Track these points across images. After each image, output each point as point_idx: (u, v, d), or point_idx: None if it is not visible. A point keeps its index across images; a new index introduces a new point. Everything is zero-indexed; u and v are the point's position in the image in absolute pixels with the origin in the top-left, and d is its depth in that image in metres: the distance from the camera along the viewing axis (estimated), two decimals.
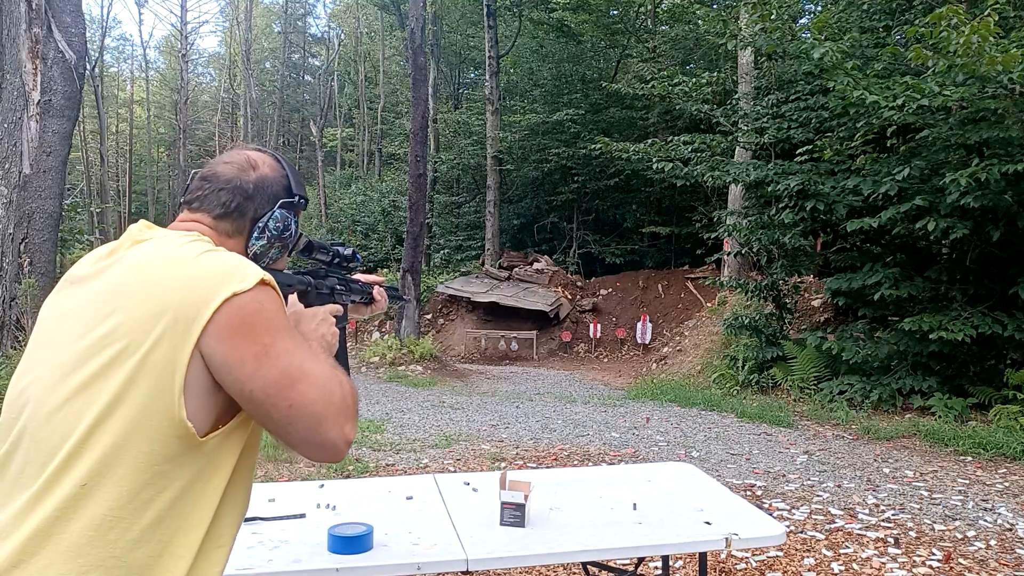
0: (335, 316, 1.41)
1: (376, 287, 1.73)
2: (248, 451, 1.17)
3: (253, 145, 1.37)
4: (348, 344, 1.53)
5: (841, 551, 3.87)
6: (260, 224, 1.27)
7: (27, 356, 1.16)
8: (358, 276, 1.69)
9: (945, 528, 4.29)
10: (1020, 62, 6.35)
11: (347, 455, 1.11)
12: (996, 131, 6.99)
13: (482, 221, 19.35)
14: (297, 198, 1.31)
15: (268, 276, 1.11)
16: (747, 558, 3.71)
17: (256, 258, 1.27)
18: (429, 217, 19.02)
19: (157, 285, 1.07)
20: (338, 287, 1.55)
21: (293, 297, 1.39)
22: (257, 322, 1.08)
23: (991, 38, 6.41)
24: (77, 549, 1.00)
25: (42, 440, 1.05)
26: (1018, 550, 3.96)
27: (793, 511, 4.57)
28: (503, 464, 5.70)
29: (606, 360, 14.61)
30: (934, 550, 3.90)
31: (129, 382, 1.04)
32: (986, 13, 6.56)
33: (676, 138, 11.13)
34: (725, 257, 12.12)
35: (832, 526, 4.28)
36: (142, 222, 1.21)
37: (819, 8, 11.38)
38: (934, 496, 4.96)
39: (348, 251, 1.57)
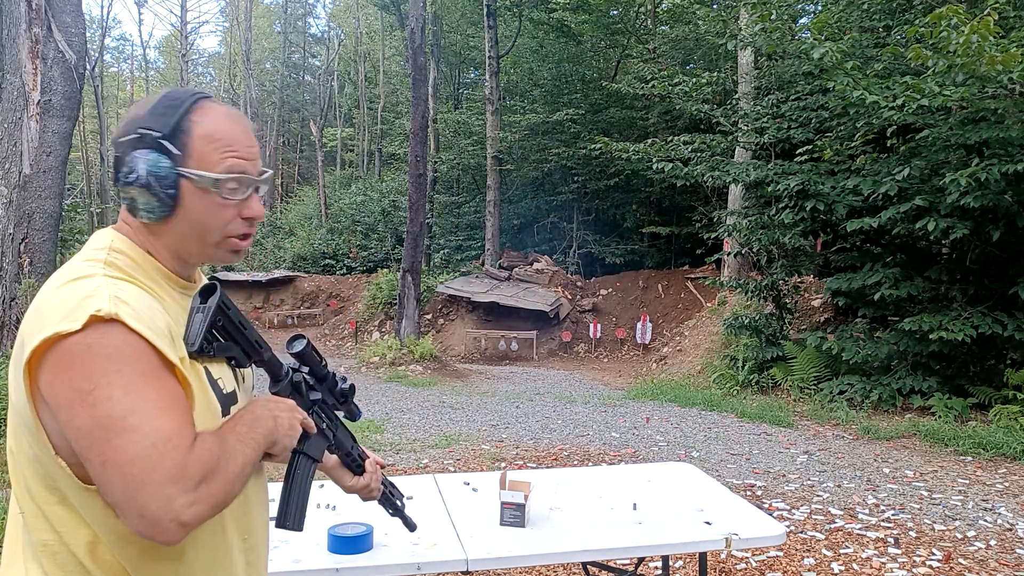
0: (306, 433, 1.17)
1: (371, 460, 1.41)
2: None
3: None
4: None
5: (841, 551, 3.87)
6: (120, 180, 1.07)
7: None
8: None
9: (945, 528, 4.29)
10: (1020, 62, 6.35)
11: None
12: (996, 131, 6.99)
13: (482, 221, 19.35)
14: (139, 132, 1.05)
15: (113, 312, 0.94)
16: (747, 558, 3.71)
17: (132, 212, 1.08)
18: (429, 217, 19.02)
19: (30, 310, 1.02)
20: (320, 411, 1.25)
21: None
22: (77, 365, 0.93)
23: (991, 38, 6.41)
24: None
25: None
26: (1018, 550, 3.96)
27: (793, 511, 4.57)
28: (503, 464, 5.70)
29: (606, 360, 14.61)
30: (934, 550, 3.90)
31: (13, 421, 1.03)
32: (986, 13, 6.56)
33: (676, 138, 11.14)
34: (725, 257, 12.12)
35: (832, 526, 4.28)
36: (108, 229, 1.14)
37: (819, 8, 11.38)
38: (934, 496, 4.96)
39: (346, 385, 1.29)
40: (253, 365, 1.15)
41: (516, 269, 17.20)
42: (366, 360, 12.38)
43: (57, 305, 0.96)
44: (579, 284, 17.23)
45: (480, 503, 2.34)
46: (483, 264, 18.01)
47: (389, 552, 1.95)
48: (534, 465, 5.72)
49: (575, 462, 5.90)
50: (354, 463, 1.36)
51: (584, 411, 8.44)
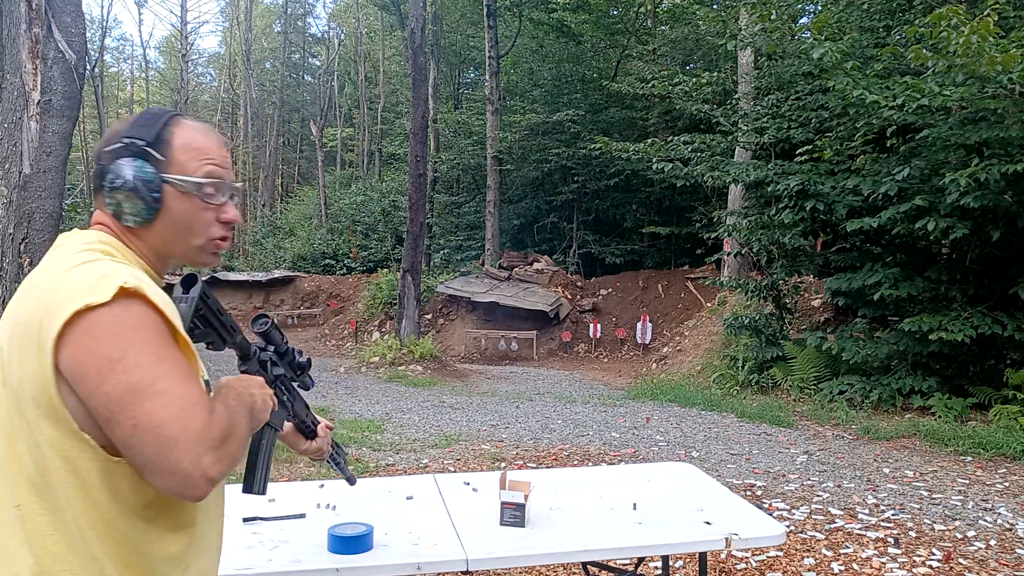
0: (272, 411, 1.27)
1: (323, 426, 1.60)
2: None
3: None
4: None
5: (841, 551, 3.87)
6: (105, 187, 1.15)
7: None
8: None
9: (945, 528, 4.29)
10: (1020, 62, 6.35)
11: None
12: (996, 131, 6.99)
13: (482, 221, 19.34)
14: (124, 141, 1.15)
15: (137, 287, 1.02)
16: (747, 558, 3.71)
17: (117, 218, 1.16)
18: (429, 217, 19.01)
19: (30, 300, 1.06)
20: (280, 386, 1.38)
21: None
22: (105, 335, 0.99)
23: (991, 38, 6.41)
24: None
25: None
26: (1018, 550, 3.96)
27: (793, 511, 4.57)
28: (503, 464, 5.70)
29: (606, 360, 14.61)
30: (934, 550, 3.90)
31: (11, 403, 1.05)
32: (986, 13, 6.56)
33: (676, 138, 11.13)
34: (725, 257, 12.12)
35: (832, 526, 4.28)
36: (75, 230, 1.19)
37: (819, 8, 11.38)
38: (934, 496, 4.96)
39: (303, 359, 1.43)
40: (227, 347, 1.25)
41: (516, 269, 17.19)
42: (366, 360, 12.38)
43: (75, 283, 1.02)
44: (579, 284, 17.23)
45: (480, 503, 2.34)
46: (483, 264, 18.01)
47: (389, 552, 1.95)
48: (534, 465, 5.72)
49: (575, 462, 5.90)
50: (308, 429, 1.55)
51: (584, 411, 8.44)
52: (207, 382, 1.21)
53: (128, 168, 1.14)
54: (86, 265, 1.05)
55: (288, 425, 1.50)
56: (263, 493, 1.34)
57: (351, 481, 1.87)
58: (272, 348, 1.35)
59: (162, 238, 1.18)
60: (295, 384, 1.45)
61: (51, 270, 1.07)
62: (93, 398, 0.99)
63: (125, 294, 1.01)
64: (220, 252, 1.26)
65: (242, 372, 1.28)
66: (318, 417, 1.60)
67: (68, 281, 1.03)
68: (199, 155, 1.19)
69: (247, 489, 1.33)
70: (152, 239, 1.18)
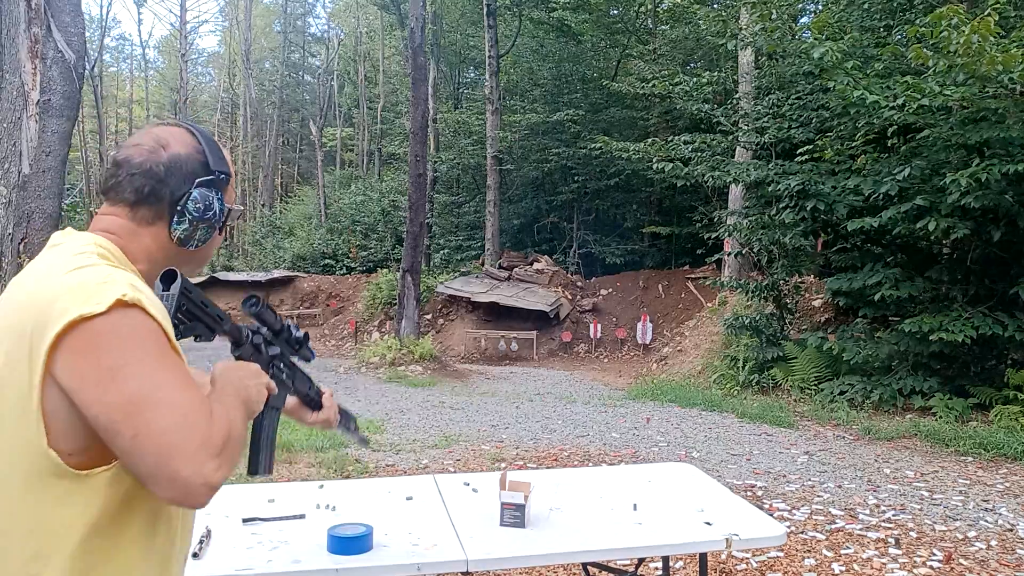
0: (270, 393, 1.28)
1: (328, 394, 1.62)
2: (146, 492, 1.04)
3: (166, 120, 1.31)
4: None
5: (842, 551, 3.86)
6: (179, 207, 1.18)
7: None
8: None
9: (946, 528, 4.28)
10: (1020, 62, 6.34)
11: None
12: (997, 131, 6.98)
13: (482, 221, 19.34)
14: (216, 174, 1.22)
15: (136, 297, 1.01)
16: (747, 559, 3.70)
17: (183, 242, 1.20)
18: (429, 217, 19.00)
19: (22, 302, 1.04)
20: (280, 365, 1.40)
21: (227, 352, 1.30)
22: (105, 345, 0.98)
23: (991, 38, 6.41)
24: None
25: None
26: (1019, 550, 3.95)
27: (794, 511, 4.56)
28: (503, 465, 5.70)
29: (606, 360, 14.60)
30: (935, 550, 3.90)
31: None
32: (986, 13, 6.56)
33: (676, 138, 11.13)
34: (725, 257, 12.11)
35: (833, 526, 4.27)
36: (68, 229, 1.18)
37: (819, 8, 11.38)
38: (935, 496, 4.96)
39: (299, 333, 1.44)
40: (218, 336, 1.26)
41: (516, 269, 17.19)
42: (366, 360, 12.37)
43: (72, 289, 1.01)
44: (579, 284, 17.22)
45: (480, 503, 2.33)
46: (483, 264, 18.00)
47: (389, 552, 1.95)
48: (534, 465, 5.71)
49: (575, 462, 5.90)
50: (312, 401, 1.57)
51: (584, 411, 8.43)
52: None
53: (215, 200, 1.22)
54: (83, 270, 1.04)
55: (292, 400, 1.51)
56: (269, 473, 1.34)
57: (364, 442, 1.94)
58: (266, 328, 1.35)
59: (183, 256, 1.22)
60: (295, 359, 1.46)
61: (46, 272, 1.06)
62: (93, 408, 0.98)
63: (123, 304, 1.00)
64: None
65: (236, 358, 1.28)
66: (321, 387, 1.60)
67: (65, 287, 1.01)
68: (232, 184, 1.28)
69: (252, 471, 1.33)
70: (171, 254, 1.21)
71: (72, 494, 1.02)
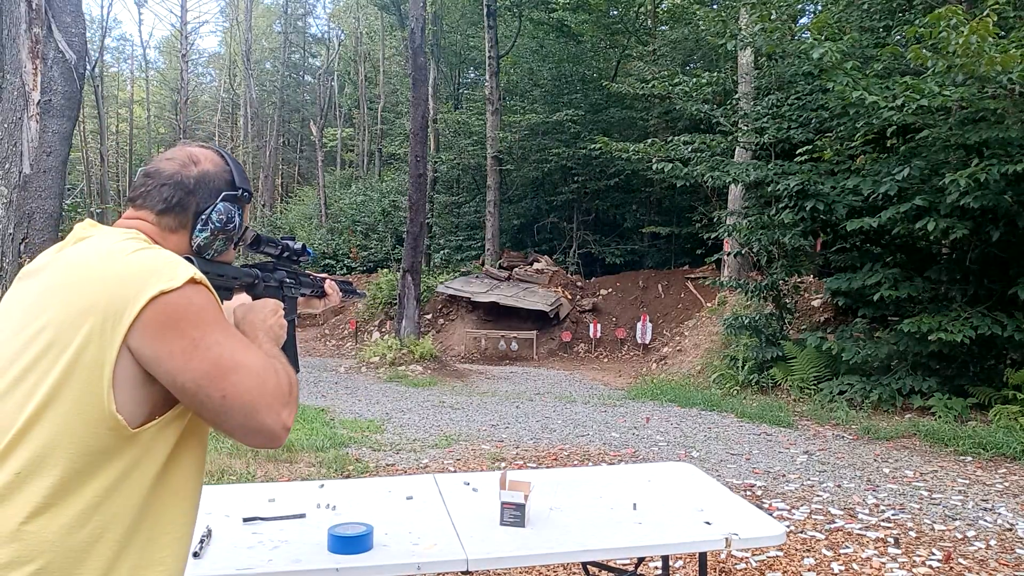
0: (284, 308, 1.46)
1: (328, 281, 1.80)
2: (190, 440, 1.20)
3: (198, 142, 1.43)
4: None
5: (841, 551, 3.87)
6: (203, 217, 1.29)
7: None
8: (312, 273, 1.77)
9: (945, 528, 4.29)
10: (1019, 62, 6.35)
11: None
12: (996, 131, 6.99)
13: (482, 221, 19.34)
14: (240, 191, 1.34)
15: (199, 275, 1.15)
16: (747, 558, 3.71)
17: (201, 250, 1.30)
18: (429, 217, 19.00)
19: (87, 282, 1.11)
20: (287, 280, 1.60)
21: (243, 295, 1.46)
22: (185, 317, 1.11)
23: (990, 38, 6.41)
24: (9, 535, 1.03)
25: None
26: (1018, 550, 3.96)
27: (793, 511, 4.57)
28: (503, 464, 5.70)
29: (606, 360, 14.61)
30: (934, 550, 3.90)
31: (63, 379, 1.07)
32: (985, 13, 6.57)
33: (676, 138, 11.13)
34: (725, 257, 12.11)
35: (832, 526, 4.28)
36: (88, 220, 1.25)
37: (819, 8, 11.38)
38: (934, 496, 4.96)
39: (298, 245, 1.61)
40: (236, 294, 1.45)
41: (516, 269, 17.19)
42: (366, 360, 12.38)
43: (142, 268, 1.12)
44: (579, 284, 17.22)
45: (480, 503, 2.33)
46: (483, 264, 18.00)
47: (389, 552, 1.95)
48: (534, 465, 5.72)
49: (575, 462, 5.90)
50: (317, 293, 1.76)
51: (584, 411, 8.44)
52: None
53: (236, 215, 1.33)
54: (146, 251, 1.16)
55: (301, 299, 1.71)
56: (296, 370, 1.44)
57: (362, 295, 2.20)
58: (269, 254, 1.55)
59: (200, 262, 1.33)
60: (298, 265, 1.65)
61: (106, 254, 1.14)
62: (180, 376, 1.10)
63: (193, 281, 1.13)
64: None
65: (254, 298, 1.47)
66: (318, 276, 1.78)
67: (136, 265, 1.12)
68: (251, 206, 1.47)
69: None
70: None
71: (117, 446, 1.10)
